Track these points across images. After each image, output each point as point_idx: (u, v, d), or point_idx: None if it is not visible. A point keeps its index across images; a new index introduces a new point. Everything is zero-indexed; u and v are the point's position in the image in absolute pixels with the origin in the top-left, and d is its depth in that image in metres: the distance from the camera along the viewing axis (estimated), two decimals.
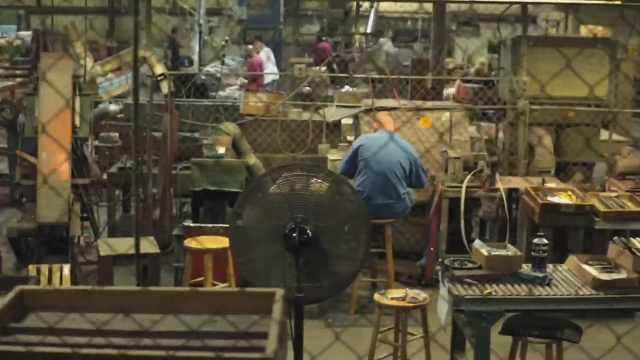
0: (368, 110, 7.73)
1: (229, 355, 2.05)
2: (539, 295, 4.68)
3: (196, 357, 2.20)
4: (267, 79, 14.97)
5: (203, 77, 9.99)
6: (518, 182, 7.35)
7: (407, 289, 5.48)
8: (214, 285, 6.02)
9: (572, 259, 5.09)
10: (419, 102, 7.80)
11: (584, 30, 18.78)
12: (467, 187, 7.19)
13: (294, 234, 4.20)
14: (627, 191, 7.21)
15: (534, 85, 8.00)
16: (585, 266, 4.98)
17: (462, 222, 7.04)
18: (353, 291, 6.85)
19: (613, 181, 7.48)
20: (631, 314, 6.93)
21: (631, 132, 13.39)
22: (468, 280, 4.79)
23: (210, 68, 13.15)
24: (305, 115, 8.24)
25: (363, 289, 7.19)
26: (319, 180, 4.40)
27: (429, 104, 7.97)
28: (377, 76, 8.85)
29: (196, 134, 8.27)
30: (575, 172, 7.98)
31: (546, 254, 4.95)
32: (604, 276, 4.83)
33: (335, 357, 5.29)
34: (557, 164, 8.20)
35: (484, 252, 4.99)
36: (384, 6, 18.29)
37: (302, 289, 4.31)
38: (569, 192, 6.99)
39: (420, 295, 5.31)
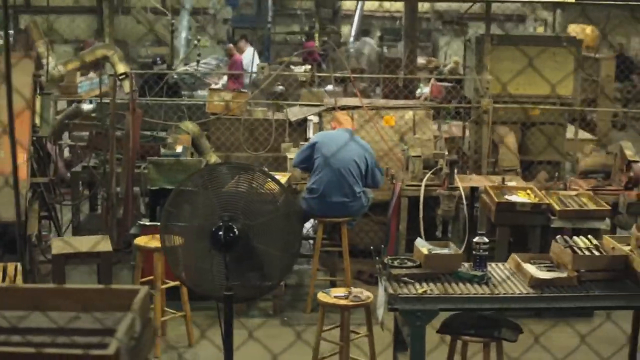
0: (331, 109, 7.71)
1: (69, 353, 2.03)
2: (474, 294, 4.66)
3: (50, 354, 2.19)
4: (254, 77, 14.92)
5: (175, 76, 9.97)
6: (478, 181, 7.32)
7: (352, 287, 5.47)
8: (165, 283, 6.01)
9: (513, 258, 5.07)
10: (382, 101, 7.77)
11: (571, 29, 18.74)
12: (428, 185, 7.17)
13: (220, 233, 4.19)
14: (588, 190, 7.18)
15: (499, 84, 7.98)
16: (525, 265, 4.96)
17: (421, 220, 7.02)
18: (310, 290, 6.85)
19: (575, 180, 7.45)
20: (590, 313, 6.91)
21: (609, 131, 13.38)
22: (405, 278, 4.77)
23: (190, 67, 13.12)
24: (276, 115, 8.23)
25: (322, 287, 7.17)
26: (250, 179, 4.38)
27: (392, 102, 7.94)
28: (340, 74, 8.82)
29: (163, 133, 8.27)
30: (540, 170, 7.95)
31: (487, 252, 4.93)
32: (542, 275, 4.81)
33: (292, 356, 5.31)
34: (522, 162, 8.18)
35: (424, 250, 4.98)
36: (371, 6, 18.28)
37: (231, 287, 4.31)
38: (528, 191, 6.97)
39: (364, 293, 5.29)
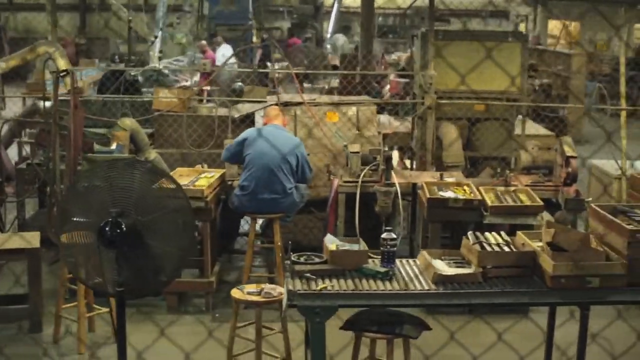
0: (274, 105, 7.66)
1: None
2: (374, 290, 4.62)
3: None
4: (224, 75, 14.91)
5: (133, 73, 9.95)
6: (416, 177, 7.28)
7: (267, 283, 5.45)
8: None
9: (422, 254, 5.03)
10: (325, 98, 7.74)
11: (552, 25, 18.68)
12: (367, 181, 7.13)
13: (107, 229, 4.17)
14: (527, 185, 7.14)
15: (446, 79, 7.92)
16: (434, 261, 4.92)
17: (357, 216, 6.98)
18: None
19: (516, 176, 7.39)
20: (524, 310, 6.87)
21: (576, 126, 13.32)
22: (307, 275, 4.74)
23: (162, 64, 13.10)
24: (223, 112, 8.19)
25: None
26: (143, 175, 4.35)
27: (336, 98, 7.91)
28: (282, 70, 8.77)
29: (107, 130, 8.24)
30: (486, 166, 7.91)
31: (395, 248, 4.89)
32: (447, 271, 4.77)
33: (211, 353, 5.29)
34: (470, 158, 8.13)
35: (332, 247, 4.94)
36: (352, 2, 18.21)
37: (122, 283, 4.29)
38: (465, 187, 6.93)
39: (276, 290, 5.27)
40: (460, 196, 6.67)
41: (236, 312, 5.36)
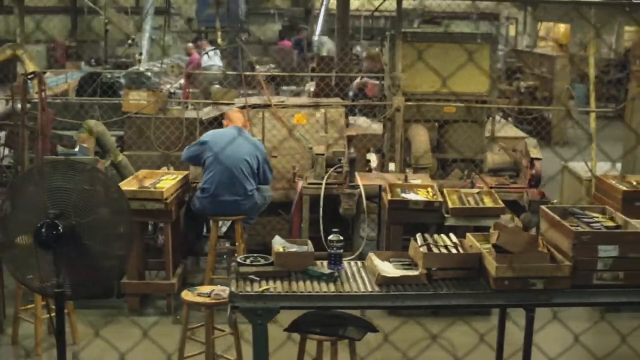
0: (242, 107, 7.68)
1: None
2: (317, 292, 4.61)
3: None
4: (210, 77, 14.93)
5: (109, 75, 9.97)
6: (381, 179, 7.27)
7: (218, 285, 5.44)
8: None
9: (369, 256, 5.02)
10: (292, 99, 7.73)
11: (541, 27, 18.65)
12: (332, 184, 7.13)
13: (43, 230, 4.17)
14: (492, 187, 7.12)
15: (415, 81, 7.92)
16: (381, 263, 4.91)
17: (320, 218, 6.98)
18: None
19: (482, 177, 7.38)
20: (488, 312, 6.86)
21: (565, 128, 13.30)
22: (251, 276, 4.73)
23: (145, 66, 13.09)
24: (192, 114, 8.22)
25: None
26: (83, 176, 4.36)
27: (304, 100, 7.90)
28: (249, 73, 8.78)
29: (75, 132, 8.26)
30: (455, 168, 7.89)
31: (341, 250, 4.89)
32: (391, 273, 4.76)
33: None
34: (441, 160, 8.12)
35: (278, 249, 4.94)
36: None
37: (60, 284, 4.29)
38: (429, 189, 6.91)
39: (226, 291, 5.26)
40: (422, 198, 6.65)
41: (187, 313, 5.35)
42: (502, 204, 6.58)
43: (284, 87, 12.53)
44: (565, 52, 18.59)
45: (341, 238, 4.89)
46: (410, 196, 6.73)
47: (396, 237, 6.66)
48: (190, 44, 14.74)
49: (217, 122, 7.93)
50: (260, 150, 6.70)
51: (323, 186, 7.01)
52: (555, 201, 7.13)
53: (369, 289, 4.64)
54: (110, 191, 4.41)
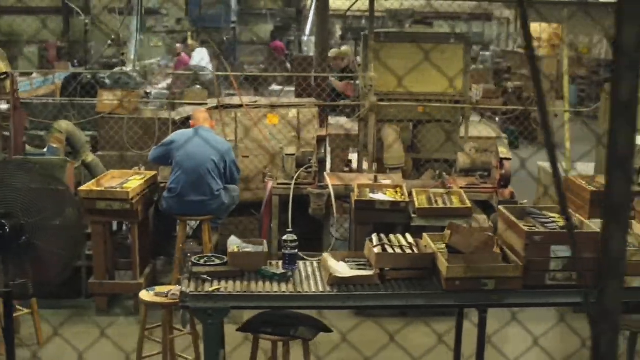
0: (215, 108, 7.68)
1: None
2: (267, 292, 4.60)
3: None
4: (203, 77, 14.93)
5: (89, 76, 9.96)
6: (351, 179, 7.26)
7: (177, 285, 5.44)
8: None
9: (324, 256, 5.01)
10: (264, 100, 7.73)
11: (533, 28, 18.58)
12: (303, 184, 7.12)
13: None
14: (462, 188, 7.11)
15: (388, 81, 7.91)
16: (337, 263, 4.90)
17: (290, 218, 6.97)
18: None
19: (453, 178, 7.37)
20: (451, 313, 6.84)
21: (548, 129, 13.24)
22: (204, 276, 4.73)
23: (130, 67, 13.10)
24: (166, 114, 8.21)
25: None
26: (32, 176, 4.37)
27: (275, 100, 7.90)
28: (222, 74, 8.77)
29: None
30: (428, 168, 7.88)
31: (296, 250, 4.89)
32: (343, 273, 4.75)
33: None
34: (414, 160, 8.11)
35: (232, 248, 4.94)
36: (332, 4, 18.15)
37: (8, 284, 4.31)
38: (398, 189, 6.91)
39: None
40: (389, 198, 6.64)
41: (145, 313, 5.36)
42: (469, 205, 6.57)
43: (274, 87, 12.53)
44: (558, 53, 18.58)
45: (295, 238, 4.89)
46: (378, 196, 6.72)
47: (363, 237, 6.63)
48: (179, 45, 14.75)
49: (189, 122, 7.91)
50: (226, 149, 6.71)
51: (292, 186, 7.01)
52: (525, 201, 7.10)
53: (320, 289, 4.64)
54: (59, 191, 4.42)
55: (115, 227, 7.47)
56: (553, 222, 5.04)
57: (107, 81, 11.26)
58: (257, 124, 7.52)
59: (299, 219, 7.20)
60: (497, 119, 14.39)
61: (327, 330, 4.88)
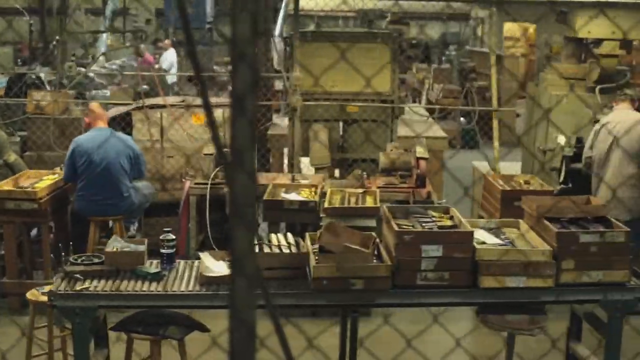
0: (139, 108, 7.69)
1: None
2: (135, 291, 4.60)
3: None
4: (169, 79, 14.95)
5: (33, 76, 10.00)
6: (270, 179, 7.25)
7: None
8: None
9: (202, 255, 5.01)
10: (190, 99, 7.74)
11: (508, 27, 18.54)
12: (220, 184, 7.12)
13: None
14: (380, 187, 7.09)
15: (315, 81, 7.89)
16: (213, 262, 4.90)
17: (207, 218, 6.97)
18: None
19: (374, 177, 7.35)
20: (368, 313, 6.83)
21: (514, 127, 13.23)
22: (76, 275, 4.74)
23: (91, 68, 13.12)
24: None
25: None
26: None
27: (199, 100, 7.89)
28: (145, 73, 8.78)
29: None
30: (355, 168, 7.87)
31: (173, 250, 4.90)
32: (212, 272, 4.75)
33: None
34: (343, 160, 8.10)
35: (108, 248, 4.94)
36: (306, 5, 18.15)
37: None
38: (313, 189, 6.90)
39: None
40: (300, 198, 6.64)
41: (33, 312, 5.36)
42: (378, 204, 6.54)
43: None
44: (534, 52, 18.50)
45: (172, 237, 4.89)
46: (291, 196, 6.71)
47: None
48: (143, 45, 14.77)
49: (114, 121, 7.92)
50: (132, 148, 6.70)
51: (208, 186, 7.01)
52: (443, 201, 7.09)
53: (189, 288, 4.64)
54: None
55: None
56: (434, 221, 5.03)
57: (65, 81, 11.31)
58: (181, 124, 7.53)
59: (219, 219, 7.21)
60: (461, 119, 14.37)
61: (204, 329, 4.88)
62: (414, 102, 14.05)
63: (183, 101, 7.93)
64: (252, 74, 1.68)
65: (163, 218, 7.71)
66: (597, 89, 7.39)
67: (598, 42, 7.58)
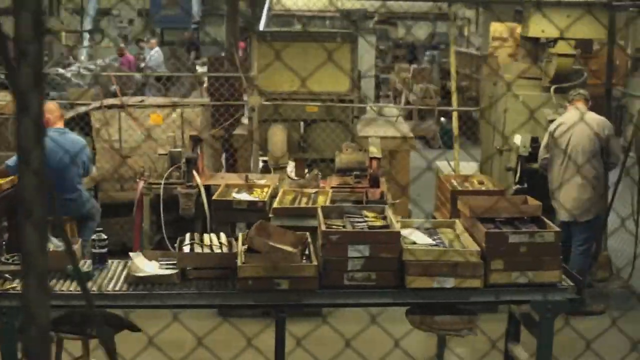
0: (98, 108, 7.71)
1: None
2: (61, 290, 4.61)
3: None
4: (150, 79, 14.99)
5: (2, 76, 10.02)
6: (222, 179, 7.26)
7: None
8: None
9: (132, 255, 5.01)
10: (151, 99, 7.76)
11: (494, 27, 18.45)
12: (174, 184, 7.13)
13: None
14: (334, 187, 7.09)
15: (274, 81, 7.90)
16: (144, 262, 4.91)
17: (161, 218, 6.98)
18: None
19: (330, 177, 7.35)
20: (318, 313, 6.84)
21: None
22: (6, 275, 4.75)
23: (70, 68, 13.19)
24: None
25: None
26: None
27: (160, 100, 7.92)
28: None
29: None
30: (314, 168, 7.88)
31: (105, 249, 4.91)
32: (142, 272, 4.76)
33: None
34: (302, 160, 8.10)
35: (49, 247, 4.94)
36: (293, 5, 18.20)
37: None
38: (265, 189, 6.90)
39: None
40: (249, 198, 6.64)
41: None
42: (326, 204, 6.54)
43: None
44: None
45: (104, 237, 4.90)
46: (241, 196, 6.71)
47: None
48: (122, 45, 14.80)
49: (73, 122, 7.93)
50: (81, 146, 6.71)
51: (162, 186, 7.01)
52: (398, 201, 7.09)
53: (117, 288, 4.65)
54: None
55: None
56: (365, 222, 5.02)
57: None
58: (139, 124, 7.54)
59: (174, 219, 7.21)
60: (442, 119, 14.36)
61: (135, 329, 4.89)
62: (395, 102, 14.04)
63: (142, 101, 7.94)
64: (35, 73, 1.69)
65: (122, 218, 7.73)
66: (552, 89, 7.38)
67: (554, 41, 7.56)
